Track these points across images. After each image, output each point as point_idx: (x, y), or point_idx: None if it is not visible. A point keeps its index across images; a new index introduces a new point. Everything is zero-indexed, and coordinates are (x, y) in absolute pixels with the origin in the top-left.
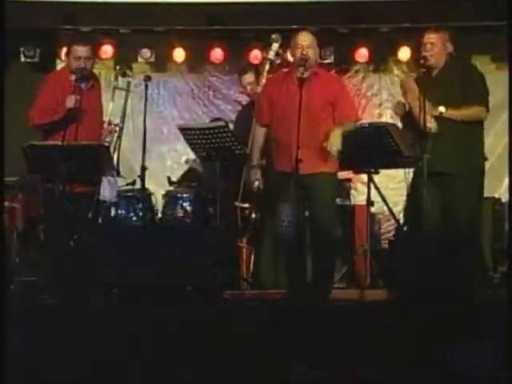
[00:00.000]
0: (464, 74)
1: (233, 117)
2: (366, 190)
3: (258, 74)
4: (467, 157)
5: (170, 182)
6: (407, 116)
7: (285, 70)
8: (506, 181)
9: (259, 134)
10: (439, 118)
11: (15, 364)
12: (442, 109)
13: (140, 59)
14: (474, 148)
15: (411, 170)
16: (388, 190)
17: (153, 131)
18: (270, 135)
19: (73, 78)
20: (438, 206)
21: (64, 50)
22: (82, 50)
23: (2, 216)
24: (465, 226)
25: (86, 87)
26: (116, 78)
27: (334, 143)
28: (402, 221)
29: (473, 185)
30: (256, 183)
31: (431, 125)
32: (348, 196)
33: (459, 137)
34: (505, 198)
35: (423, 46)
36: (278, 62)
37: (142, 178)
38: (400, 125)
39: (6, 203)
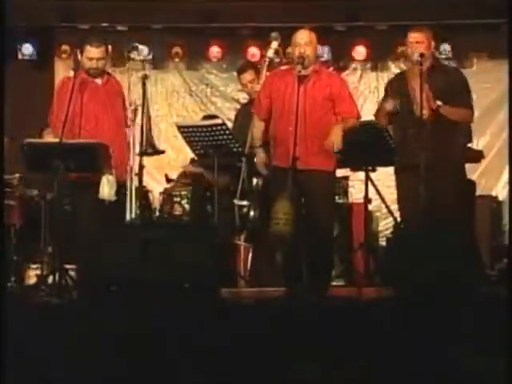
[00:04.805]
0: (450, 76)
1: (230, 114)
2: (363, 187)
3: (257, 73)
4: (447, 153)
5: (168, 180)
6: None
7: (285, 67)
8: (503, 179)
9: (259, 127)
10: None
11: (15, 363)
12: (439, 102)
13: (137, 56)
14: (455, 144)
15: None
16: (386, 187)
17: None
18: (268, 131)
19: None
20: (425, 201)
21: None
22: (95, 52)
23: (2, 215)
24: (457, 222)
25: (101, 83)
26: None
27: (335, 142)
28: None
29: (454, 180)
30: (262, 166)
31: (427, 112)
32: (345, 194)
33: (443, 132)
34: (502, 195)
35: (409, 45)
36: (277, 60)
37: (140, 175)
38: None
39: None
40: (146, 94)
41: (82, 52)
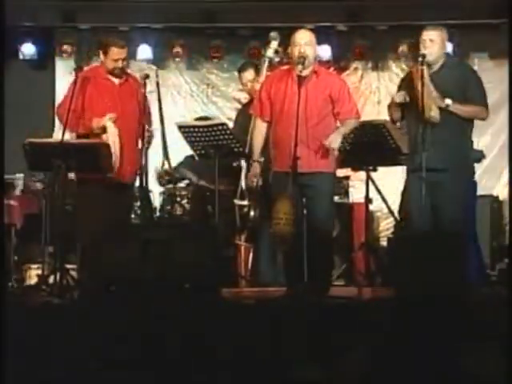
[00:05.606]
0: (463, 73)
1: (231, 114)
2: (364, 187)
3: (257, 72)
4: (459, 153)
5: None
6: (406, 108)
7: (284, 67)
8: (504, 179)
9: (261, 129)
10: (442, 112)
11: (14, 364)
12: (448, 101)
13: (138, 57)
14: (466, 145)
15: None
16: (386, 187)
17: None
18: (268, 133)
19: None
20: (430, 203)
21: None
22: (119, 52)
23: (2, 215)
24: (459, 223)
25: (118, 82)
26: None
27: (334, 141)
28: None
29: (464, 181)
30: (255, 179)
31: (435, 114)
32: (346, 194)
33: (454, 133)
34: (502, 195)
35: (422, 43)
36: (277, 60)
37: (141, 175)
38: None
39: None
40: (146, 99)
41: (105, 54)
